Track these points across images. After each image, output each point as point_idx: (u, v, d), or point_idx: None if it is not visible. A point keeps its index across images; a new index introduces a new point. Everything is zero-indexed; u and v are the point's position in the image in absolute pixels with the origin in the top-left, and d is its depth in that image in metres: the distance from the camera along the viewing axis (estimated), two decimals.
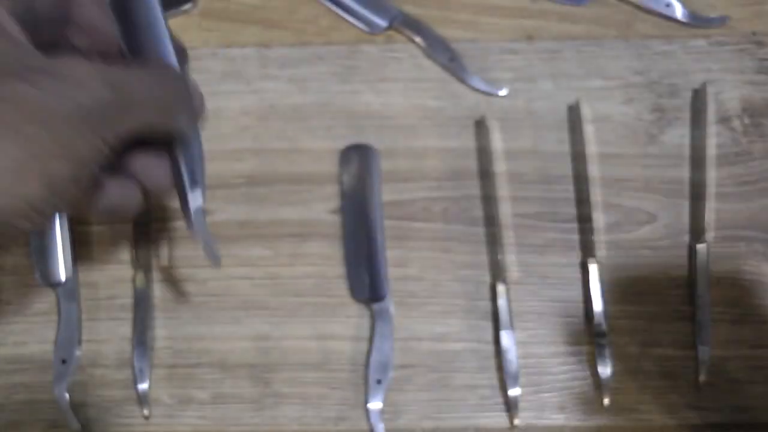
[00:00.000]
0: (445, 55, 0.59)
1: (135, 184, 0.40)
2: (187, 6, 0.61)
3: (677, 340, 0.56)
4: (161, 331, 0.57)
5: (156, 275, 0.58)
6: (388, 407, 0.56)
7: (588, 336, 0.56)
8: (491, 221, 0.56)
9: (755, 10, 0.60)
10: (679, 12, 0.59)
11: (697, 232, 0.56)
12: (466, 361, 0.56)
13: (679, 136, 0.59)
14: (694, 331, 0.54)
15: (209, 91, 0.60)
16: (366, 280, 0.57)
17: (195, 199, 0.43)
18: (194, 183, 0.43)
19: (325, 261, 0.58)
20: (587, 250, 0.56)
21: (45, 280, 0.57)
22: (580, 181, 0.57)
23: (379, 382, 0.55)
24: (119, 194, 0.40)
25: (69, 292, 0.57)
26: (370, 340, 0.56)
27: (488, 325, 0.56)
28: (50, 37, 0.39)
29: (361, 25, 0.61)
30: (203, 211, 0.44)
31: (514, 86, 0.59)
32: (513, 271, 0.57)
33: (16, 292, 0.58)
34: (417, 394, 0.56)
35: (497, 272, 0.56)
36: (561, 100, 0.59)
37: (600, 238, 0.57)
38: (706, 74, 0.59)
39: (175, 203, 0.49)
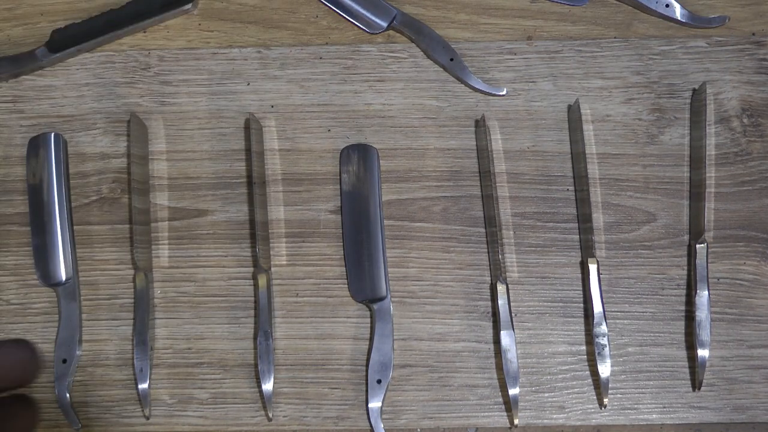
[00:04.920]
0: (445, 55, 0.59)
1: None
2: (187, 6, 0.60)
3: (677, 340, 0.56)
4: (161, 331, 0.57)
5: (156, 275, 0.58)
6: (388, 407, 0.56)
7: (588, 336, 0.56)
8: (491, 221, 0.56)
9: (755, 10, 0.60)
10: (678, 12, 0.59)
11: (696, 231, 0.56)
12: (466, 361, 0.56)
13: (678, 136, 0.59)
14: (694, 331, 0.54)
15: (209, 91, 0.60)
16: (366, 280, 0.57)
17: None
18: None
19: (325, 261, 0.58)
20: (587, 250, 0.56)
21: (45, 280, 0.57)
22: (580, 181, 0.57)
23: (379, 382, 0.55)
24: None
25: (69, 292, 0.57)
26: (370, 340, 0.56)
27: (488, 325, 0.57)
28: None
29: (361, 25, 0.61)
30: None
31: (514, 86, 0.60)
32: (513, 271, 0.57)
33: (16, 292, 0.58)
34: (417, 394, 0.56)
35: (497, 272, 0.56)
36: (561, 100, 0.59)
37: (600, 238, 0.57)
38: (705, 74, 0.59)
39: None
